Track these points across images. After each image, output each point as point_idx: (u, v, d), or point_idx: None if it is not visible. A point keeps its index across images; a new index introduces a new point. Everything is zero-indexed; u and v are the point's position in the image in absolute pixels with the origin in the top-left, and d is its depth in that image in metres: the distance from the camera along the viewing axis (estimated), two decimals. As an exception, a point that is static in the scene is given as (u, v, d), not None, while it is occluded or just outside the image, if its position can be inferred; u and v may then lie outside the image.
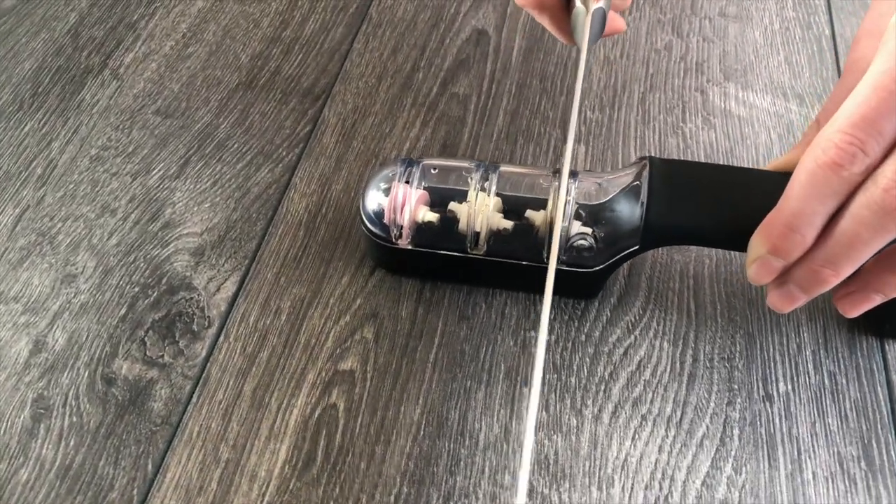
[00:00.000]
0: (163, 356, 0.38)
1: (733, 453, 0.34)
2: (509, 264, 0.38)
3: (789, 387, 0.36)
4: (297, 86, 0.49)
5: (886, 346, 0.37)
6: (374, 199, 0.38)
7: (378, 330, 0.38)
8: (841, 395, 0.36)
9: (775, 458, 0.34)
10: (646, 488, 0.33)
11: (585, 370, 0.37)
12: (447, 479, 0.34)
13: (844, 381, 0.36)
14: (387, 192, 0.38)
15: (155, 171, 0.45)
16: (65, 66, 0.50)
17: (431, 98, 0.48)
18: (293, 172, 0.45)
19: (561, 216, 0.31)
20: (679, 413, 0.35)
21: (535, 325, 0.38)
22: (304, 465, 0.34)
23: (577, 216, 0.36)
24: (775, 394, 0.36)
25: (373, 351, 0.38)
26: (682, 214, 0.34)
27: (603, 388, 0.36)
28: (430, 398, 0.36)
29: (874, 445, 0.34)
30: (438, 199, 0.38)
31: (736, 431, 0.35)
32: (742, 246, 0.34)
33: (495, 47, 0.51)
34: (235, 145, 0.46)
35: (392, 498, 0.33)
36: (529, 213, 0.37)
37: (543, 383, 0.36)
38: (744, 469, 0.34)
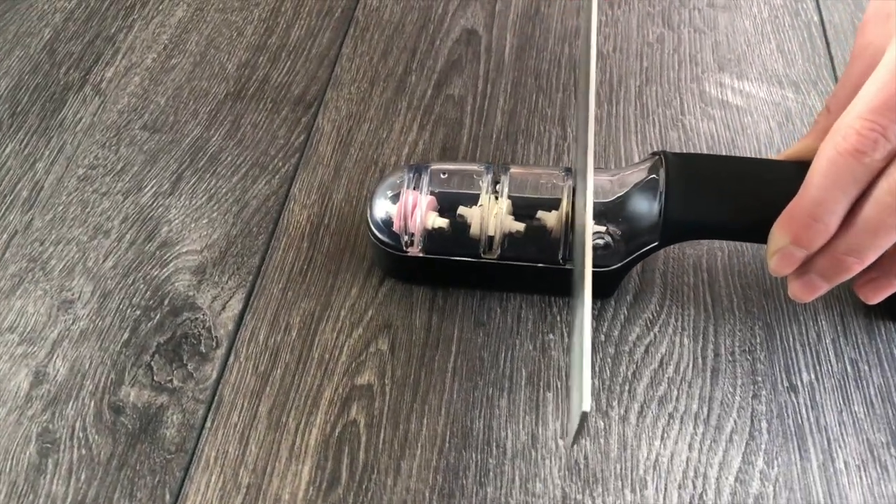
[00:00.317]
0: (171, 380, 0.36)
1: (763, 447, 0.34)
2: (524, 267, 0.37)
3: (812, 376, 0.36)
4: (288, 94, 0.48)
5: (903, 330, 0.37)
6: (381, 208, 0.37)
7: (393, 341, 0.37)
8: (864, 382, 0.35)
9: (806, 449, 0.34)
10: (679, 488, 0.33)
11: (608, 371, 0.36)
12: (477, 490, 0.33)
13: (867, 367, 0.36)
14: (394, 199, 0.37)
15: (147, 189, 0.43)
16: (43, 84, 0.49)
17: (426, 101, 0.47)
18: (291, 183, 0.43)
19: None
20: (706, 409, 0.35)
21: (553, 328, 0.38)
22: (329, 485, 0.33)
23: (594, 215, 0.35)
24: (799, 384, 0.36)
25: (389, 363, 0.37)
26: (702, 208, 0.34)
27: (627, 388, 0.36)
28: (453, 408, 0.35)
29: (901, 430, 0.34)
30: (447, 205, 0.37)
31: (764, 424, 0.34)
32: (762, 237, 0.34)
33: (487, 46, 0.50)
34: (229, 158, 0.45)
35: (423, 514, 0.32)
36: (541, 213, 0.36)
37: (567, 387, 0.36)
38: (775, 462, 0.33)
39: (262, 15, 0.53)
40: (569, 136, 0.45)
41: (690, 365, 0.36)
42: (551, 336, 0.37)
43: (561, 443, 0.34)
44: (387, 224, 0.37)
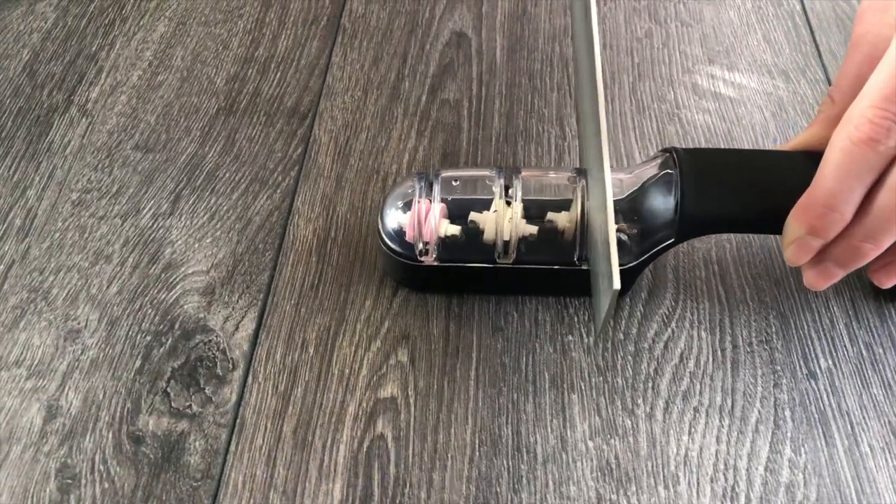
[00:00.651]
0: (190, 406, 0.35)
1: (789, 435, 0.34)
2: (539, 270, 0.37)
3: (830, 362, 0.36)
4: (281, 106, 0.47)
5: (911, 311, 0.38)
6: (393, 218, 0.37)
7: (412, 352, 0.37)
8: (881, 365, 0.36)
9: (830, 434, 0.34)
10: (711, 481, 0.33)
11: (630, 369, 0.36)
12: (512, 498, 0.33)
13: (881, 350, 0.37)
14: (405, 209, 0.37)
15: (146, 211, 0.42)
16: (26, 108, 0.47)
17: (422, 106, 0.47)
18: (293, 197, 0.43)
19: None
20: (729, 401, 0.35)
21: (571, 329, 0.38)
22: (362, 502, 0.33)
23: (608, 215, 0.35)
24: (818, 370, 0.36)
25: (411, 374, 0.36)
26: (718, 202, 0.34)
27: (650, 385, 0.36)
28: (479, 416, 0.35)
29: (918, 410, 0.35)
30: (458, 211, 0.37)
31: (788, 413, 0.35)
32: (777, 229, 0.34)
33: (477, 49, 0.50)
34: (227, 174, 0.44)
35: (460, 525, 0.32)
36: (553, 215, 0.36)
37: (591, 388, 0.36)
38: (802, 450, 0.34)
39: (247, 26, 0.52)
40: (568, 136, 0.45)
41: (710, 358, 0.37)
42: (570, 337, 0.37)
43: (591, 444, 0.34)
44: (399, 234, 0.37)
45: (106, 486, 0.33)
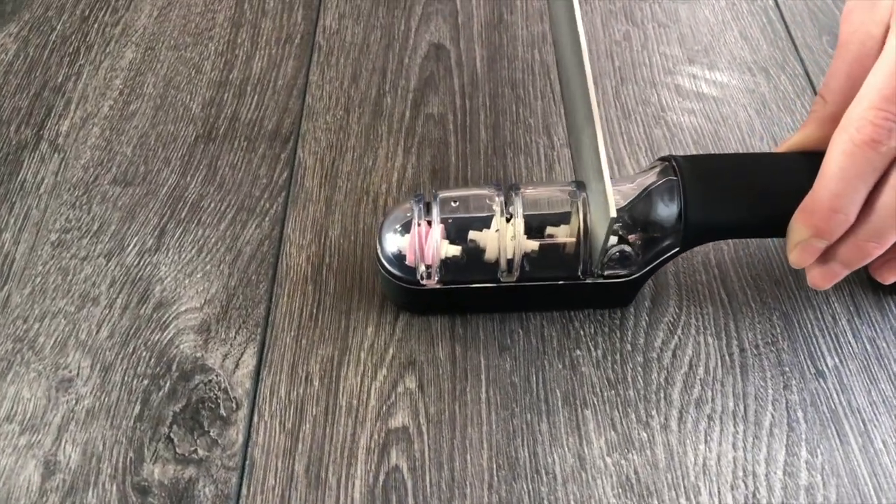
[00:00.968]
0: (196, 450, 0.34)
1: (804, 436, 0.34)
2: (543, 286, 0.36)
3: (837, 360, 0.36)
4: (261, 130, 0.46)
5: (909, 302, 0.38)
6: (392, 243, 0.36)
7: (420, 378, 0.36)
8: (886, 360, 0.36)
9: (844, 433, 0.34)
10: (732, 489, 0.33)
11: (641, 380, 0.36)
12: (535, 521, 0.32)
13: (885, 344, 0.37)
14: (404, 232, 0.36)
15: (130, 248, 0.41)
16: (-6, 146, 0.45)
17: (407, 122, 0.46)
18: (283, 224, 0.42)
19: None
20: (742, 406, 0.35)
21: (578, 344, 0.37)
22: (384, 538, 0.32)
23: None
24: (825, 369, 0.36)
25: (421, 401, 0.36)
26: (723, 209, 0.34)
27: (662, 395, 0.36)
28: (494, 440, 0.34)
29: (926, 402, 0.35)
30: (457, 231, 0.36)
31: (800, 414, 0.35)
32: (781, 232, 0.34)
33: (457, 61, 0.49)
34: (211, 204, 0.43)
35: (485, 554, 0.32)
36: (552, 230, 0.36)
37: (604, 402, 0.35)
38: (818, 451, 0.34)
39: (219, 49, 0.50)
40: (556, 145, 0.45)
41: (719, 364, 0.37)
42: (578, 352, 0.37)
43: (609, 460, 0.34)
44: (399, 259, 0.36)
45: (115, 541, 0.32)
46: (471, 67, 0.49)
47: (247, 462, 0.34)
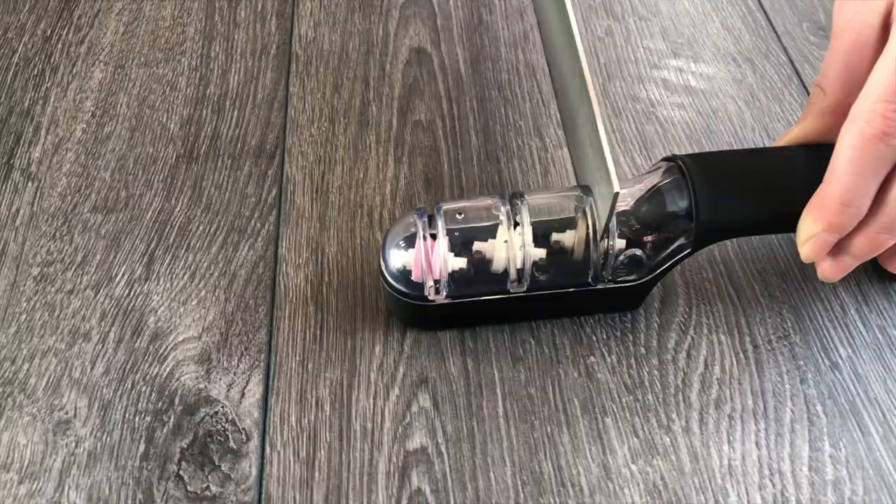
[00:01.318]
0: (208, 487, 0.33)
1: (825, 430, 0.34)
2: (554, 294, 0.36)
3: (850, 350, 0.36)
4: (245, 146, 0.44)
5: (912, 287, 0.39)
6: (397, 259, 0.35)
7: (434, 395, 0.35)
8: (897, 347, 0.37)
9: (864, 424, 0.34)
10: (759, 489, 0.33)
11: (658, 383, 0.36)
12: (566, 536, 0.32)
13: (895, 331, 0.37)
14: (408, 248, 0.35)
15: (118, 278, 0.39)
16: (-38, 178, 0.43)
17: (395, 131, 0.45)
18: (277, 244, 0.40)
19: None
20: (761, 403, 0.35)
21: (592, 350, 0.37)
22: (413, 566, 0.31)
23: (621, 232, 0.34)
24: (839, 360, 0.36)
25: (437, 420, 0.35)
26: (734, 208, 0.34)
27: (681, 397, 0.35)
28: (516, 455, 0.34)
29: (939, 386, 0.35)
30: (461, 243, 0.35)
31: (819, 408, 0.35)
32: (793, 227, 0.34)
33: (440, 65, 0.48)
34: (200, 227, 0.41)
35: (518, 574, 0.31)
36: (558, 236, 0.35)
37: (623, 409, 0.35)
38: (841, 444, 0.34)
39: (192, 63, 0.49)
40: (549, 147, 0.44)
41: (734, 361, 0.36)
42: (592, 358, 0.36)
43: (634, 468, 0.33)
44: (404, 274, 0.35)
45: (131, 591, 0.31)
46: (455, 71, 0.48)
47: (262, 496, 0.33)
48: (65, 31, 0.50)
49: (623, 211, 0.35)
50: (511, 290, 0.35)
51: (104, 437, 0.34)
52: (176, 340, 0.37)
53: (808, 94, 0.46)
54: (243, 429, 0.34)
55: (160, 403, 0.35)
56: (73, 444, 0.34)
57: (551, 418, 0.35)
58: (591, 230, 0.35)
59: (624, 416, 0.35)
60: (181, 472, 0.33)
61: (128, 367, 0.36)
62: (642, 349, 0.37)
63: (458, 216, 0.35)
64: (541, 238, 0.35)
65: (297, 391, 0.36)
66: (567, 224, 0.35)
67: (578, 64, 0.35)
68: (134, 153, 0.44)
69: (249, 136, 0.45)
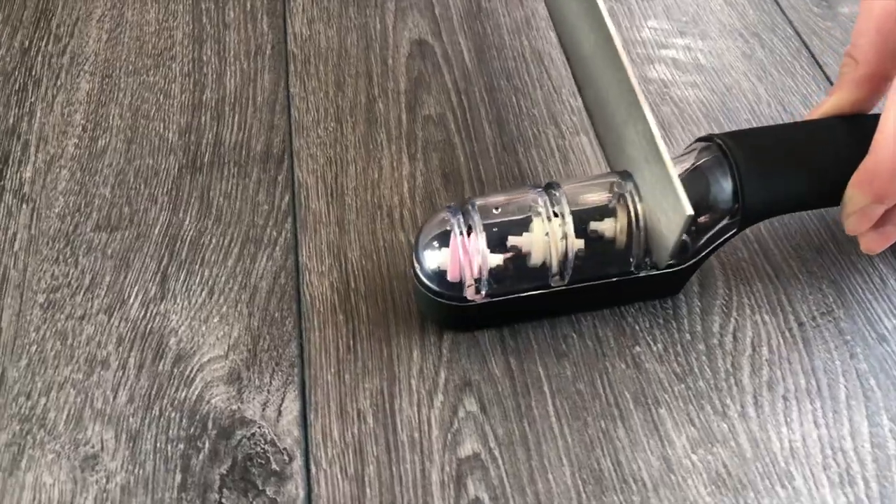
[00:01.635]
0: (255, 514, 0.31)
1: (881, 404, 0.34)
2: (596, 286, 0.35)
3: (895, 321, 0.36)
4: (250, 152, 0.42)
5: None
6: (433, 259, 0.34)
7: (480, 399, 0.34)
8: (941, 314, 0.36)
9: (919, 395, 0.34)
10: (824, 469, 0.32)
11: (707, 369, 0.35)
12: (635, 535, 0.31)
13: (937, 299, 0.37)
14: (442, 247, 0.34)
15: (132, 299, 0.37)
16: (-50, 204, 0.40)
17: (405, 127, 0.43)
18: (296, 252, 0.39)
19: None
20: (814, 381, 0.34)
21: (636, 340, 0.35)
22: (480, 579, 0.30)
23: (662, 216, 0.33)
24: (886, 332, 0.36)
25: (486, 424, 0.33)
26: (780, 185, 0.33)
27: (733, 381, 0.34)
28: (573, 454, 0.32)
29: None
30: (495, 239, 0.34)
31: (872, 382, 0.34)
32: (837, 201, 0.33)
33: (444, 56, 0.47)
34: (213, 240, 0.39)
35: (591, 579, 0.30)
36: (596, 225, 0.34)
37: (676, 398, 0.34)
38: (899, 417, 0.33)
39: (184, 69, 0.46)
40: (566, 134, 0.43)
41: (781, 341, 0.35)
42: (638, 348, 0.35)
43: (695, 458, 0.32)
44: (439, 275, 0.34)
45: None
46: (460, 62, 0.47)
47: (313, 519, 0.31)
48: (43, 42, 0.48)
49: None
50: (552, 284, 0.34)
51: (136, 470, 0.32)
52: (201, 361, 0.35)
53: (820, 66, 0.46)
54: (284, 449, 0.33)
55: (192, 429, 0.33)
56: (104, 480, 0.32)
57: (604, 413, 0.34)
58: (632, 217, 0.33)
59: (678, 406, 0.34)
60: (223, 500, 0.31)
61: (153, 393, 0.34)
62: (687, 335, 0.36)
63: (494, 211, 0.34)
64: (580, 228, 0.34)
65: (337, 404, 0.34)
66: (602, 212, 0.34)
67: (627, 81, 0.34)
68: (133, 166, 0.42)
69: (254, 140, 0.43)
